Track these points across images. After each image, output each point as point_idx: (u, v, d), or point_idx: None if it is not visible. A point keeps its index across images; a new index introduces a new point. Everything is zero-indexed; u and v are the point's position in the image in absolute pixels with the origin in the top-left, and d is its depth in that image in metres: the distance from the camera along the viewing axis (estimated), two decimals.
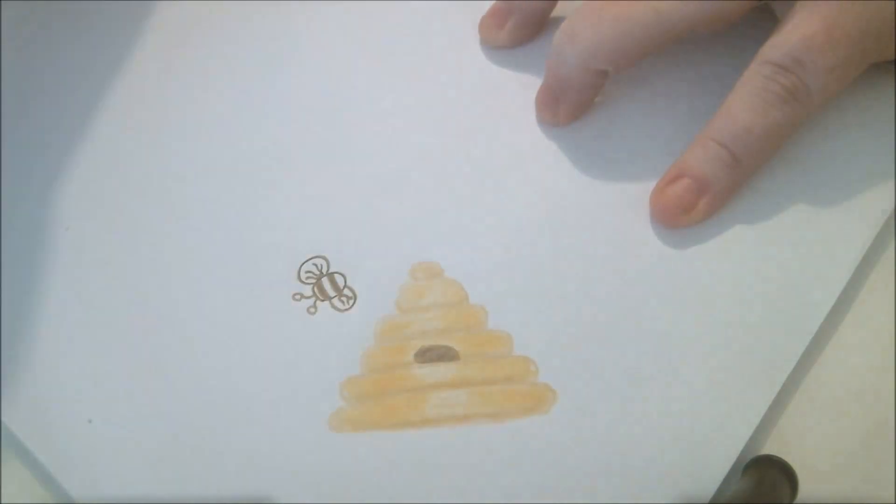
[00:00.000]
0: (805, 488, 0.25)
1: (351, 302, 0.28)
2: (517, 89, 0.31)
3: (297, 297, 0.28)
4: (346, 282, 0.28)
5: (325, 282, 0.28)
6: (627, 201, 0.29)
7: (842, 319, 0.27)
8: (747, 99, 0.27)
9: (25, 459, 0.26)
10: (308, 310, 0.28)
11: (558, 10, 0.32)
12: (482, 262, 0.28)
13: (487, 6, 0.32)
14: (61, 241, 0.29)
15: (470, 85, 0.31)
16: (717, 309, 0.27)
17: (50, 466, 0.26)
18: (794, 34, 0.26)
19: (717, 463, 0.25)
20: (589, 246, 0.28)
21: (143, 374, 0.27)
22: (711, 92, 0.30)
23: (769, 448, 0.26)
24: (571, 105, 0.30)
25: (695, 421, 0.25)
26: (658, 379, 0.26)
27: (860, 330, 0.27)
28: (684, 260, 0.28)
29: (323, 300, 0.28)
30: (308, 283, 0.28)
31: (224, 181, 0.30)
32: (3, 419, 0.26)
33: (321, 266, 0.28)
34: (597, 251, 0.28)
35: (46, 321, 0.28)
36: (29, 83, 0.33)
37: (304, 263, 0.28)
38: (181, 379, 0.27)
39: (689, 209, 0.28)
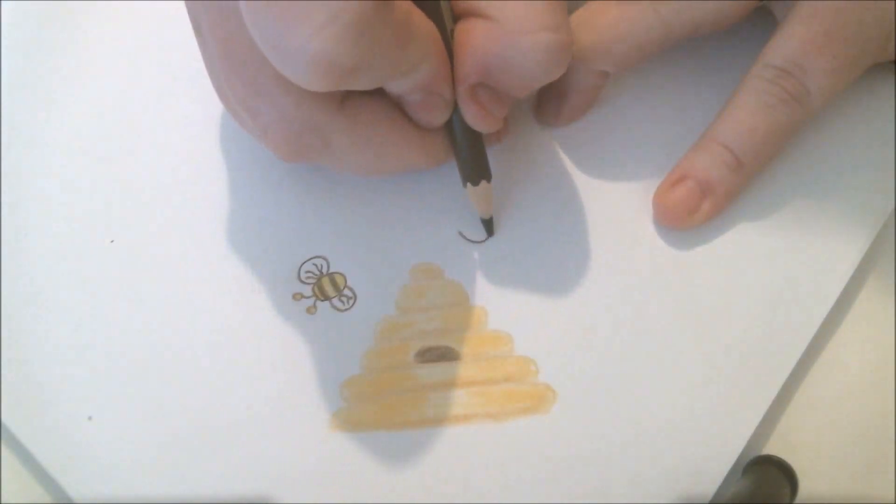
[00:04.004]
0: (805, 488, 0.25)
1: (351, 302, 0.28)
2: None
3: (297, 297, 0.28)
4: (346, 282, 0.28)
5: (325, 282, 0.28)
6: (628, 201, 0.29)
7: (842, 319, 0.27)
8: (750, 102, 0.27)
9: (25, 459, 0.26)
10: (308, 310, 0.28)
11: None
12: (482, 262, 0.28)
13: None
14: (61, 241, 0.29)
15: None
16: (718, 309, 0.27)
17: (49, 466, 0.26)
18: (795, 38, 0.27)
19: (717, 463, 0.25)
20: (589, 246, 0.28)
21: (143, 373, 0.27)
22: (711, 92, 0.30)
23: (769, 448, 0.26)
24: (572, 105, 0.30)
25: (695, 421, 0.25)
26: (658, 379, 0.26)
27: (860, 330, 0.27)
28: (684, 260, 0.28)
29: (323, 300, 0.28)
30: (308, 283, 0.28)
31: (224, 181, 0.30)
32: (2, 419, 0.26)
33: (321, 266, 0.28)
34: (597, 251, 0.28)
35: (46, 320, 0.28)
36: (30, 84, 0.33)
37: (304, 263, 0.28)
38: (181, 378, 0.27)
39: (693, 211, 0.28)
